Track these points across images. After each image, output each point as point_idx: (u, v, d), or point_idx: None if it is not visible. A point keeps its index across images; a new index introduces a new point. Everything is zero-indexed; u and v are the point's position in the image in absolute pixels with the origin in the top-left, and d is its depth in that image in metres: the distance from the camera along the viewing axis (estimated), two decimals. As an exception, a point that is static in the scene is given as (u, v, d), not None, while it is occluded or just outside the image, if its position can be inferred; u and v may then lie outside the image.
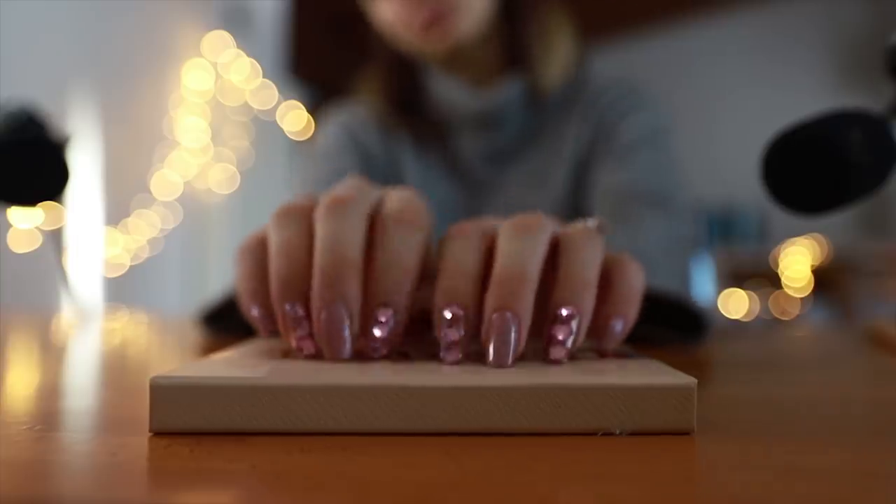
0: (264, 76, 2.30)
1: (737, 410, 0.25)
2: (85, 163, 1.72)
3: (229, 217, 2.25)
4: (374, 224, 0.27)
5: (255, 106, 2.30)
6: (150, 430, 0.20)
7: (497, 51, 0.68)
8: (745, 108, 3.12)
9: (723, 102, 3.24)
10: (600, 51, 2.90)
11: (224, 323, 0.49)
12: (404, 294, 0.25)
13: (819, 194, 0.32)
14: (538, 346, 0.26)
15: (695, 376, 0.21)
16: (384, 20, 0.66)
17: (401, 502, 0.15)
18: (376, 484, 0.16)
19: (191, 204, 2.08)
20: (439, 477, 0.16)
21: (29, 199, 0.44)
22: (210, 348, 0.41)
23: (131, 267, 1.86)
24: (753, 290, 2.86)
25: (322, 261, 0.25)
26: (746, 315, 2.78)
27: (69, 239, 1.65)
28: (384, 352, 0.25)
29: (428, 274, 0.27)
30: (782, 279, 2.85)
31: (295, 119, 2.40)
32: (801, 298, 2.80)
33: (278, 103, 2.36)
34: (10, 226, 1.41)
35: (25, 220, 1.21)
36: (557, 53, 0.69)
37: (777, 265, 2.85)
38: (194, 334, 0.54)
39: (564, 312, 0.25)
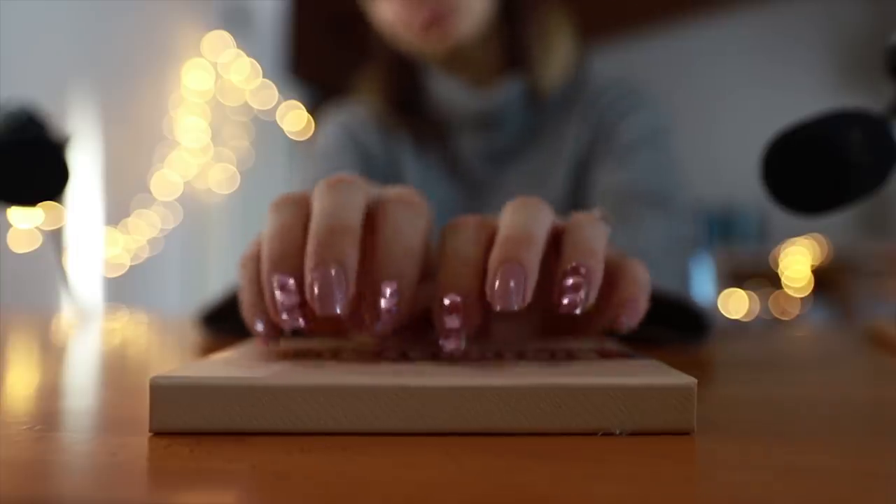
0: (264, 76, 2.30)
1: (737, 410, 0.25)
2: (85, 163, 1.72)
3: (229, 217, 2.25)
4: (375, 211, 0.26)
5: (255, 106, 2.30)
6: (150, 430, 0.20)
7: (497, 51, 0.68)
8: (745, 108, 3.12)
9: (723, 102, 3.24)
10: (600, 51, 2.90)
11: (224, 323, 0.49)
12: (409, 268, 0.24)
13: (819, 194, 0.32)
14: (538, 346, 0.26)
15: (695, 376, 0.21)
16: (384, 20, 0.66)
17: (401, 502, 0.15)
18: (376, 484, 0.16)
19: (191, 204, 2.09)
20: (439, 477, 0.16)
21: (29, 199, 0.44)
22: (210, 348, 0.41)
23: (131, 267, 1.86)
24: (753, 290, 2.86)
25: (317, 228, 0.24)
26: (746, 315, 2.78)
27: (69, 239, 1.65)
28: (389, 328, 0.24)
29: (428, 272, 0.27)
30: (782, 279, 2.85)
31: (295, 119, 2.41)
32: (801, 298, 2.81)
33: (278, 103, 2.36)
34: (10, 226, 1.41)
35: (25, 220, 1.21)
36: (557, 54, 0.69)
37: (777, 265, 2.85)
38: (194, 334, 0.54)
39: (574, 264, 0.24)
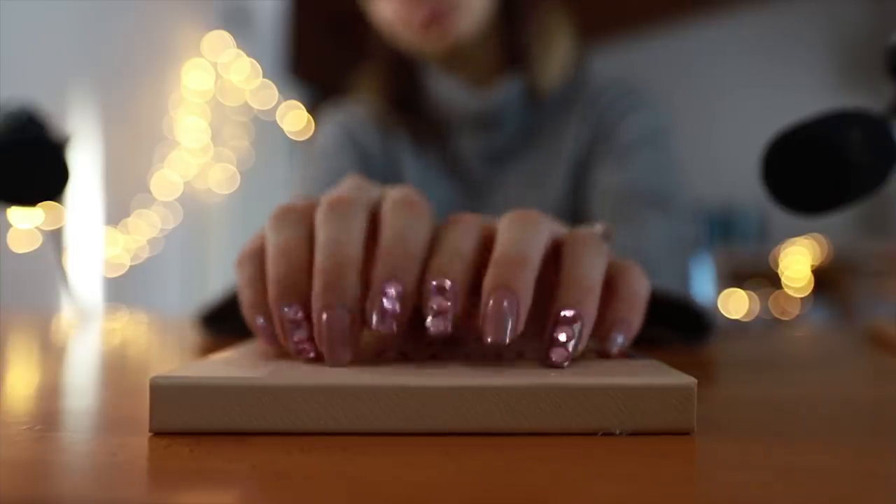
0: (264, 76, 2.30)
1: (737, 410, 0.25)
2: (85, 163, 1.72)
3: (229, 217, 2.25)
4: (377, 217, 0.26)
5: (255, 106, 2.30)
6: (150, 430, 0.20)
7: (496, 50, 0.68)
8: (745, 108, 3.12)
9: (723, 102, 3.24)
10: (600, 51, 2.90)
11: (223, 324, 0.49)
12: (412, 271, 0.24)
13: (819, 194, 0.32)
14: (538, 346, 0.26)
15: (695, 376, 0.21)
16: (384, 19, 0.66)
17: (401, 502, 0.15)
18: (376, 484, 0.16)
19: (191, 204, 2.09)
20: (439, 477, 0.16)
21: (29, 199, 0.44)
22: (210, 348, 0.41)
23: (131, 267, 1.86)
24: (753, 290, 2.86)
25: (323, 263, 0.24)
26: (746, 315, 2.78)
27: (69, 239, 1.65)
28: (394, 328, 0.24)
29: None
30: (782, 279, 2.85)
31: (295, 119, 2.41)
32: (801, 298, 2.81)
33: (278, 103, 2.36)
34: (10, 226, 1.41)
35: (25, 220, 1.21)
36: (556, 53, 0.69)
37: (777, 265, 2.85)
38: (194, 334, 0.54)
39: (567, 314, 0.24)
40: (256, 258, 0.27)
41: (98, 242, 1.77)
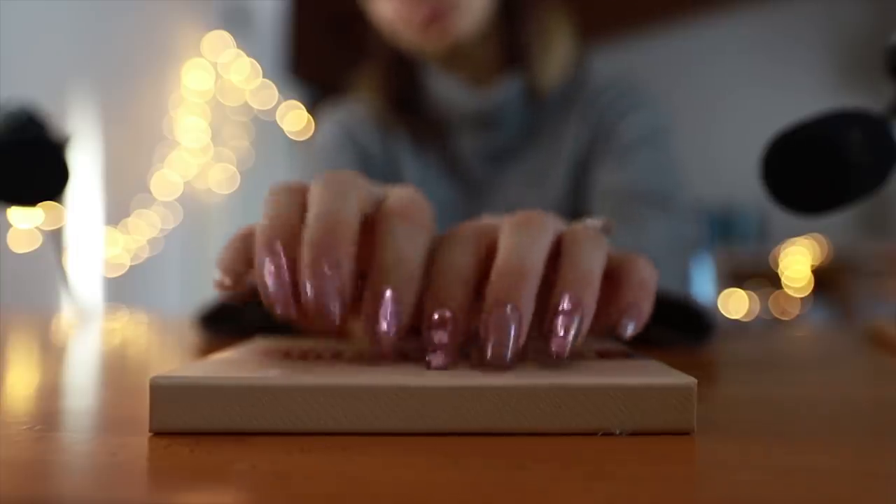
0: (264, 76, 2.30)
1: (737, 410, 0.25)
2: (85, 163, 1.72)
3: (229, 217, 2.25)
4: (376, 219, 0.26)
5: (255, 106, 2.30)
6: (150, 430, 0.20)
7: (496, 49, 0.68)
8: (745, 108, 3.12)
9: (723, 102, 3.24)
10: (600, 51, 2.90)
11: (221, 324, 0.49)
12: (411, 291, 0.24)
13: (819, 194, 0.32)
14: (538, 347, 0.26)
15: (695, 376, 0.21)
16: (384, 18, 0.65)
17: (401, 502, 0.15)
18: (376, 484, 0.16)
19: (191, 204, 2.09)
20: (439, 477, 0.16)
21: (29, 199, 0.44)
22: (210, 349, 0.41)
23: (131, 267, 1.86)
24: (753, 290, 2.86)
25: (313, 227, 0.23)
26: (746, 315, 2.78)
27: (69, 239, 1.65)
28: (391, 341, 0.24)
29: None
30: (782, 279, 2.85)
31: (295, 119, 2.40)
32: (801, 298, 2.80)
33: (278, 103, 2.36)
34: (10, 226, 1.41)
35: (25, 220, 1.21)
36: (556, 53, 0.69)
37: (777, 265, 2.85)
38: (194, 334, 0.54)
39: (566, 304, 0.23)
40: (244, 239, 0.27)
41: (98, 242, 1.77)
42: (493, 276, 0.24)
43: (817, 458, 0.18)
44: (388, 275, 0.24)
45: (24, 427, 0.21)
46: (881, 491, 0.16)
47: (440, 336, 0.23)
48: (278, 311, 0.23)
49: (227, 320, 0.48)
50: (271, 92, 2.33)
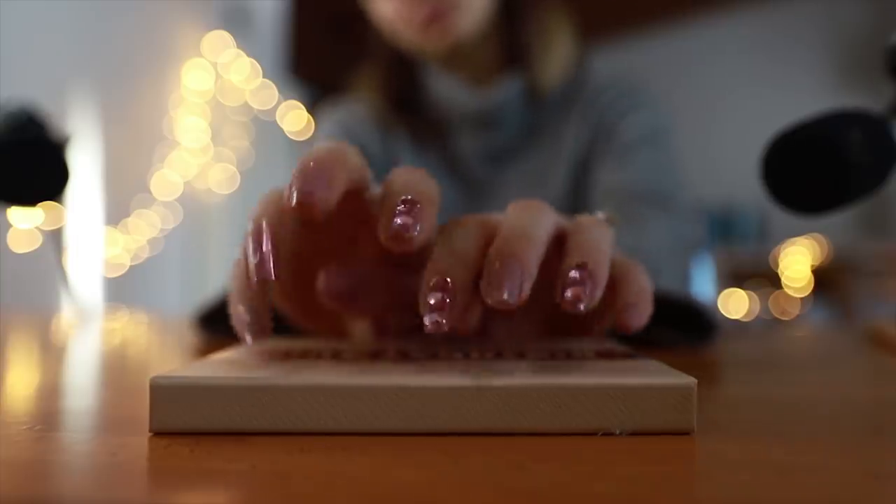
0: (264, 76, 2.30)
1: (737, 410, 0.25)
2: (85, 163, 1.72)
3: (229, 217, 2.25)
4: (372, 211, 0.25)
5: (255, 106, 2.30)
6: (150, 430, 0.20)
7: (496, 49, 0.68)
8: (745, 108, 3.12)
9: (723, 102, 3.24)
10: (600, 51, 2.90)
11: (220, 325, 0.49)
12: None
13: (819, 194, 0.32)
14: (538, 347, 0.26)
15: (695, 376, 0.21)
16: (384, 18, 0.66)
17: (401, 502, 0.15)
18: (376, 484, 0.16)
19: (191, 204, 2.09)
20: (439, 477, 0.16)
21: (29, 199, 0.44)
22: (210, 349, 0.41)
23: (131, 267, 1.86)
24: (753, 290, 2.86)
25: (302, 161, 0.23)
26: (746, 315, 2.77)
27: (69, 239, 1.65)
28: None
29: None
30: (782, 279, 2.85)
31: (295, 119, 2.41)
32: (801, 298, 2.81)
33: (278, 103, 2.36)
34: (10, 226, 1.41)
35: (25, 220, 1.21)
36: (556, 52, 0.69)
37: (777, 265, 2.85)
38: (194, 334, 0.54)
39: (580, 260, 0.23)
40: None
41: (98, 242, 1.77)
42: (496, 241, 0.24)
43: (817, 458, 0.18)
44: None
45: (24, 427, 0.21)
46: (881, 491, 0.16)
47: (436, 296, 0.23)
48: (257, 277, 0.23)
49: (227, 320, 0.48)
50: (271, 92, 2.33)
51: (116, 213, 1.83)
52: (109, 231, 1.80)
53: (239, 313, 0.25)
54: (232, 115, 2.24)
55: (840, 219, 1.88)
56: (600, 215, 0.29)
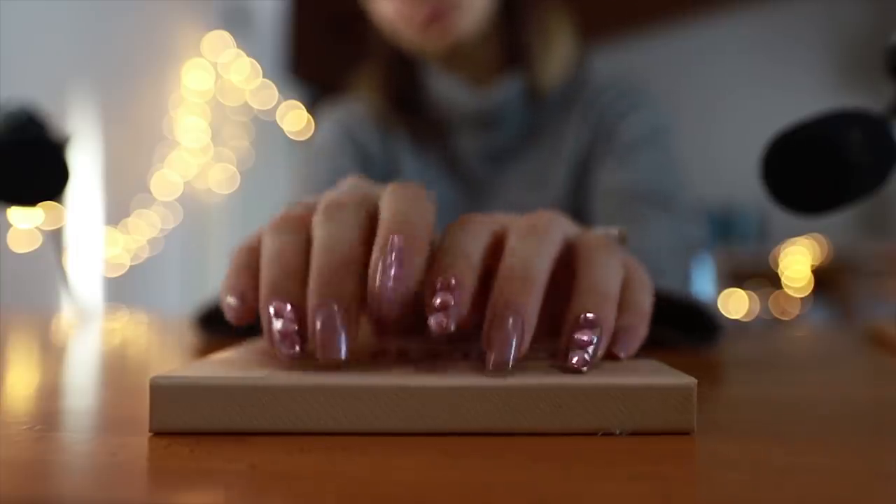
0: (264, 76, 2.30)
1: (737, 410, 0.25)
2: (85, 163, 1.72)
3: (229, 217, 2.25)
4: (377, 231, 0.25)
5: (255, 106, 2.30)
6: (150, 430, 0.20)
7: (496, 49, 0.68)
8: (745, 108, 3.12)
9: (723, 102, 3.24)
10: (600, 51, 2.90)
11: (219, 325, 0.49)
12: (423, 249, 0.23)
13: (819, 194, 0.32)
14: (538, 347, 0.26)
15: (695, 376, 0.21)
16: (384, 17, 0.65)
17: (401, 502, 0.15)
18: (376, 484, 0.16)
19: (191, 204, 2.09)
20: (439, 477, 0.16)
21: (29, 199, 0.44)
22: (209, 349, 0.41)
23: (131, 267, 1.86)
24: (753, 290, 2.86)
25: (319, 261, 0.23)
26: (746, 315, 2.77)
27: (69, 239, 1.65)
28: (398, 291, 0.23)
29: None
30: (782, 279, 2.85)
31: (295, 119, 2.40)
32: (801, 298, 2.81)
33: (278, 103, 2.36)
34: (10, 226, 1.41)
35: (25, 220, 1.21)
36: (557, 52, 0.69)
37: (777, 265, 2.85)
38: (194, 334, 0.54)
39: (589, 316, 0.23)
40: (251, 252, 0.27)
41: (98, 242, 1.77)
42: (498, 280, 0.24)
43: (817, 458, 0.18)
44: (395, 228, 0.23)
45: (24, 427, 0.21)
46: (881, 491, 0.16)
47: (444, 297, 0.23)
48: (283, 356, 0.23)
49: (226, 320, 0.48)
50: (271, 92, 2.33)
51: (116, 213, 1.83)
52: (109, 231, 1.80)
53: (228, 301, 0.26)
54: (232, 115, 2.24)
55: (840, 219, 1.88)
56: (613, 231, 0.28)
